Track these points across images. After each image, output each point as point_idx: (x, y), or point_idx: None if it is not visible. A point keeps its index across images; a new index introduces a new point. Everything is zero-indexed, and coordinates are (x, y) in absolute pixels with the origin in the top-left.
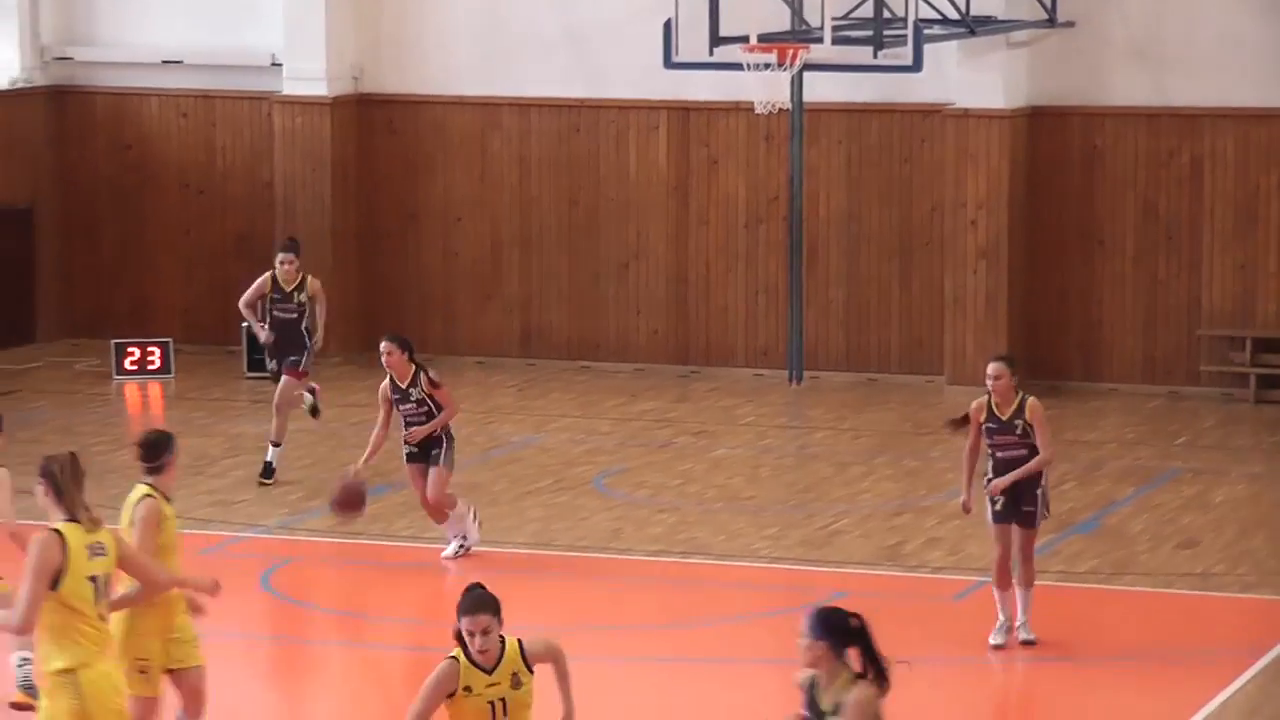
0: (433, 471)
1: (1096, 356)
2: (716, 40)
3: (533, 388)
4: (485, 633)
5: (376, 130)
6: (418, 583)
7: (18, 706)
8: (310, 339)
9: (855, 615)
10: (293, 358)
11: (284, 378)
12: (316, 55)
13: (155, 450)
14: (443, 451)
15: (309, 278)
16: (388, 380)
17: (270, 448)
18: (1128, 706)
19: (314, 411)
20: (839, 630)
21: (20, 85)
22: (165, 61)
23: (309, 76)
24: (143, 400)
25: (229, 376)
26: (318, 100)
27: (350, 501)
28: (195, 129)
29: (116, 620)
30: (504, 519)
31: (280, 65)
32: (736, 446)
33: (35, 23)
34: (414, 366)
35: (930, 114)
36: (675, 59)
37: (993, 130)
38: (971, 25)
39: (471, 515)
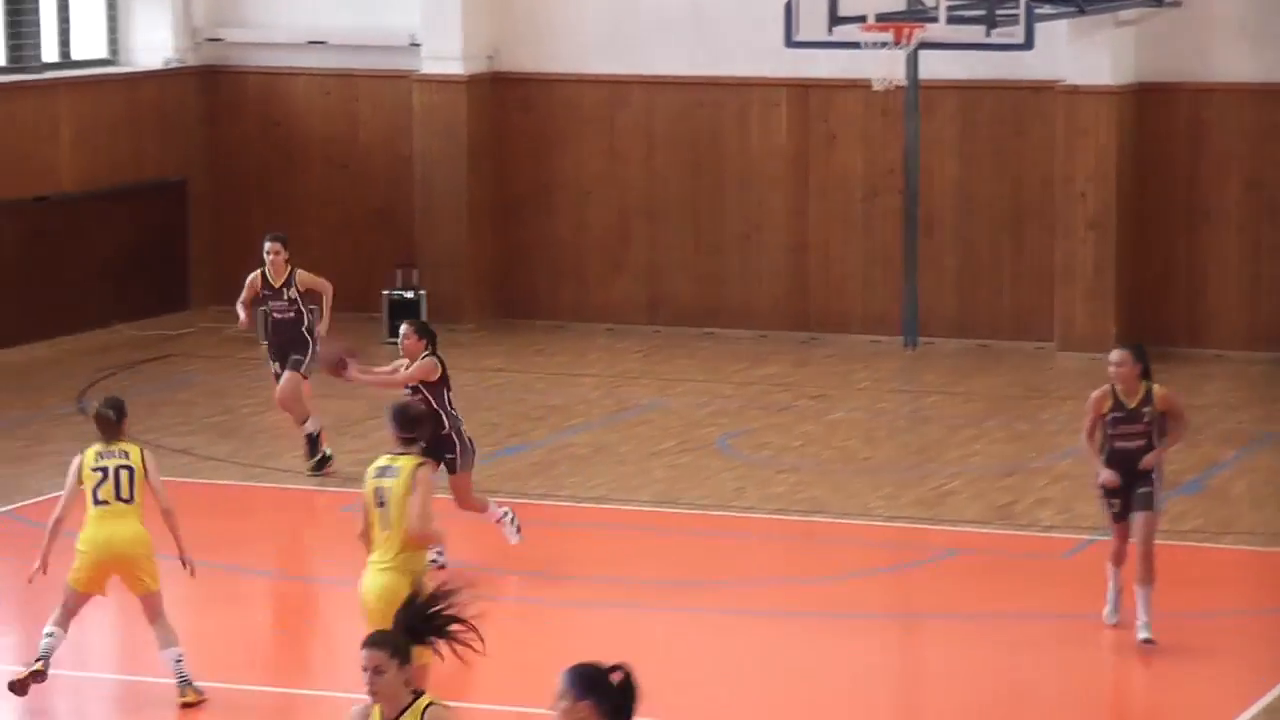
0: (450, 480)
1: (1202, 323)
2: (835, 20)
3: (659, 353)
4: (377, 672)
5: (511, 107)
6: (547, 539)
7: (188, 706)
8: (313, 340)
9: (617, 668)
10: (295, 356)
11: (286, 373)
12: (453, 36)
13: (413, 423)
14: (456, 457)
15: (298, 271)
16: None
17: (309, 440)
18: (1230, 662)
19: (320, 460)
20: (602, 687)
21: (174, 65)
22: (310, 42)
23: (446, 56)
24: None
25: (370, 341)
26: (454, 79)
27: (336, 363)
28: (338, 106)
29: (388, 593)
30: (631, 478)
31: (419, 45)
32: (853, 409)
33: (188, 5)
34: (425, 354)
35: (1041, 90)
36: (795, 38)
37: (1101, 106)
38: (1081, 4)
39: (510, 521)
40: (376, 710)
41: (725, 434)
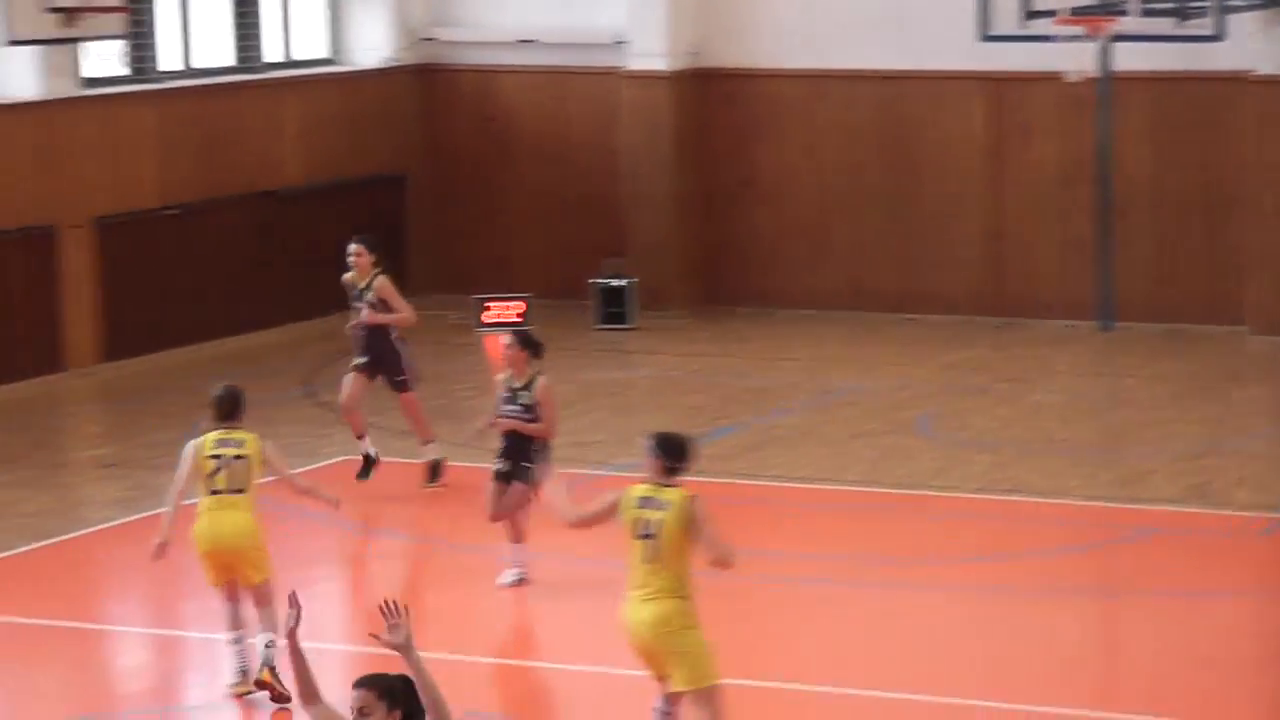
0: (516, 485)
1: None
2: (1029, 14)
3: (859, 337)
4: (362, 713)
5: (714, 101)
6: (755, 518)
7: (260, 685)
8: (404, 350)
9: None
10: (399, 378)
11: (400, 397)
12: (658, 34)
13: (680, 454)
14: (534, 469)
15: (380, 277)
16: (504, 375)
17: (427, 447)
18: None
19: (366, 471)
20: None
21: (392, 64)
22: (520, 41)
23: (651, 53)
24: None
25: (580, 328)
26: (660, 75)
27: None
28: (548, 102)
29: (662, 622)
30: (836, 459)
31: (625, 43)
32: (1050, 392)
33: (405, 6)
34: (535, 370)
35: (1232, 81)
36: (990, 32)
37: None
38: None
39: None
40: None
41: (925, 416)
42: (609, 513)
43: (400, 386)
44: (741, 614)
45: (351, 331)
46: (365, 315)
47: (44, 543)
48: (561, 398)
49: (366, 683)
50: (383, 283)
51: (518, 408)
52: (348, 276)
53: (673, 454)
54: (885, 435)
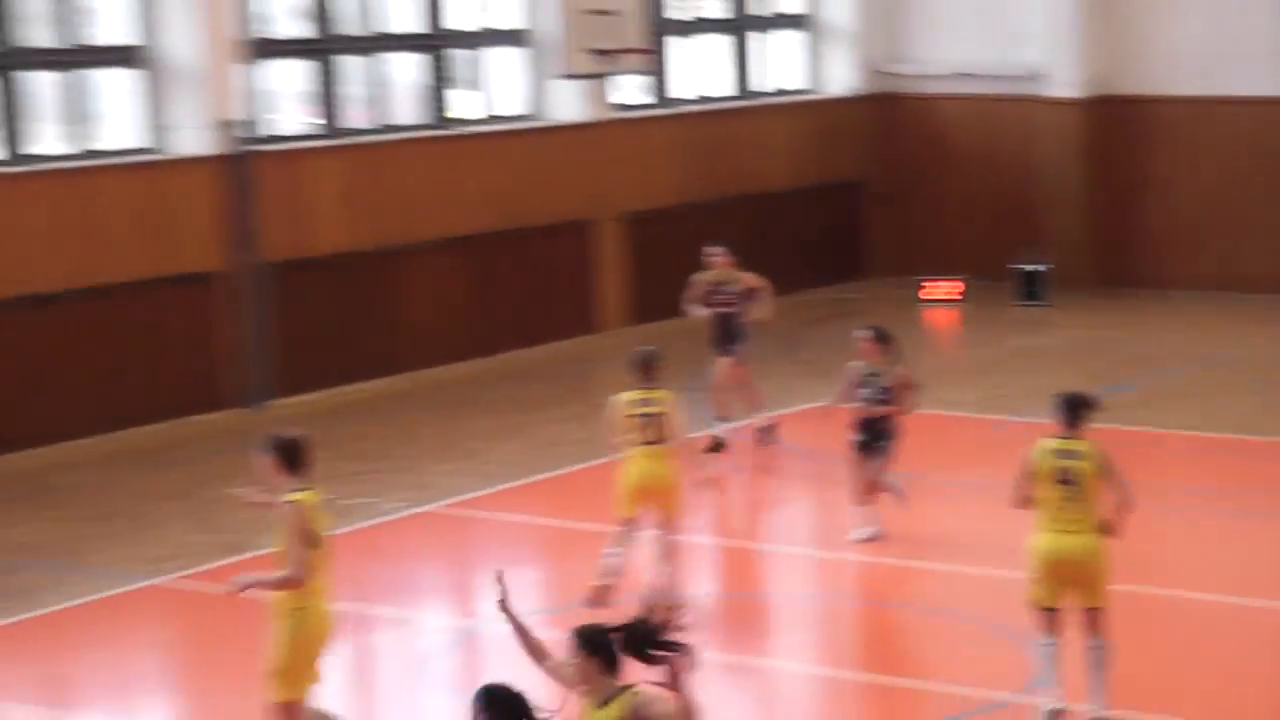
0: (872, 465)
1: None
2: None
3: (1235, 314)
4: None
5: (1115, 121)
6: (1145, 459)
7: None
8: (749, 333)
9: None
10: (732, 345)
11: (720, 362)
12: (1071, 67)
13: (1085, 410)
14: (889, 444)
15: (741, 274)
16: (857, 364)
17: (758, 417)
18: None
19: (715, 448)
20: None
21: (856, 93)
22: (958, 74)
23: (1065, 83)
24: (942, 323)
25: (1003, 305)
26: (1071, 101)
27: None
28: (979, 122)
29: (1087, 550)
30: (1213, 412)
31: (1043, 76)
32: None
33: (867, 47)
34: (889, 359)
35: None
36: None
37: None
38: None
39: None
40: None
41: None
42: (1030, 476)
43: (729, 353)
44: (1142, 536)
45: (709, 320)
46: (750, 315)
47: (584, 465)
48: (987, 361)
49: (571, 635)
50: (748, 276)
51: (874, 390)
52: (706, 275)
53: (1079, 410)
54: (1254, 394)
